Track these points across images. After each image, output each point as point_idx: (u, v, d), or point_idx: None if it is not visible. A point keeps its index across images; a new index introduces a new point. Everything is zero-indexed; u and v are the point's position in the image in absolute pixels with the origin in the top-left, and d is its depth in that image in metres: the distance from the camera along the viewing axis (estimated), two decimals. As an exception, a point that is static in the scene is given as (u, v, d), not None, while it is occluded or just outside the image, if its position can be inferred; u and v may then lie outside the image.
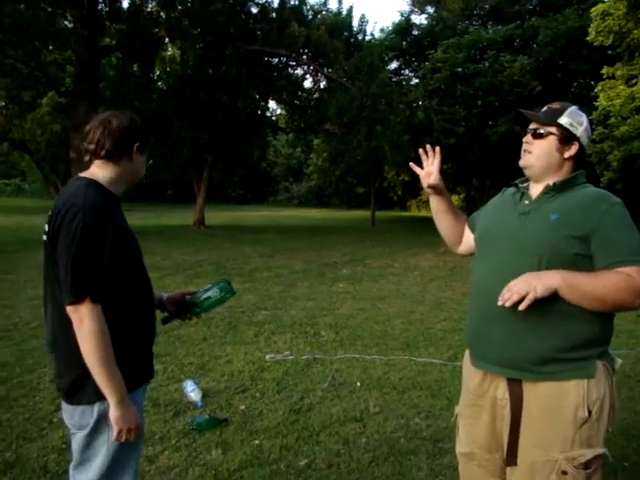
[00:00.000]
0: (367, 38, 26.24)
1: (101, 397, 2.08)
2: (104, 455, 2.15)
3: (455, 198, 34.38)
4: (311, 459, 3.72)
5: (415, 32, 31.55)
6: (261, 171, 51.98)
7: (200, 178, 23.80)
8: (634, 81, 16.76)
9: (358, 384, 5.09)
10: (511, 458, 2.24)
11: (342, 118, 21.03)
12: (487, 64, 25.29)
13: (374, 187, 29.83)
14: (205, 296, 2.63)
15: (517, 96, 23.94)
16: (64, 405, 2.23)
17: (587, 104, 20.69)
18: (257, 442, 3.94)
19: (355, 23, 26.97)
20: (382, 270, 12.32)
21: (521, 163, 2.34)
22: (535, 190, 2.29)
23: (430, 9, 34.25)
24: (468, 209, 32.59)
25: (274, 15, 21.69)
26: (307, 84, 26.96)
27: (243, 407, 4.56)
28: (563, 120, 2.24)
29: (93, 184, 2.16)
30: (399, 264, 13.37)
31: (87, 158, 2.22)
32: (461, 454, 2.50)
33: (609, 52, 22.37)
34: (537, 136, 2.27)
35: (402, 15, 33.33)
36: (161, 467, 3.61)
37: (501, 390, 2.23)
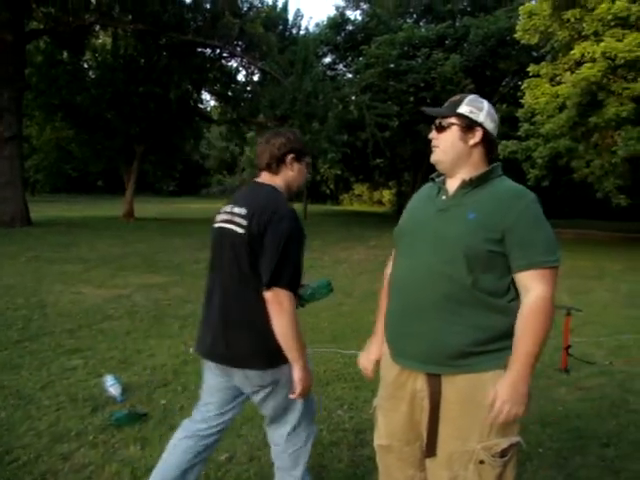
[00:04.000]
0: (302, 32, 26.30)
1: (275, 363, 2.57)
2: (293, 409, 2.74)
3: (387, 193, 34.84)
4: (232, 453, 3.67)
5: (349, 27, 31.71)
6: (194, 164, 51.35)
7: (130, 169, 23.35)
8: (558, 79, 17.24)
9: (283, 377, 5.05)
10: (430, 449, 2.25)
11: (275, 112, 20.95)
12: (420, 61, 25.64)
13: (307, 181, 29.80)
14: (310, 292, 2.88)
15: (449, 93, 24.31)
16: (236, 371, 2.63)
17: (515, 102, 21.27)
18: (177, 437, 3.86)
19: (290, 17, 26.95)
20: (312, 262, 12.28)
21: (432, 159, 2.32)
22: (451, 185, 2.27)
23: (364, 5, 34.47)
24: (399, 203, 33.03)
25: (208, 6, 21.44)
26: (240, 77, 26.68)
27: (164, 401, 4.47)
28: (462, 109, 2.25)
29: (279, 191, 2.71)
30: (329, 257, 13.41)
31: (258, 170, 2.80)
32: (379, 446, 2.49)
33: (535, 53, 23.05)
34: (440, 129, 2.28)
35: (337, 10, 33.44)
36: (76, 465, 3.48)
37: (420, 382, 2.24)
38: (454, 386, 2.16)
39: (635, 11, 14.67)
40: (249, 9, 23.53)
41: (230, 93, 24.81)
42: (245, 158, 45.57)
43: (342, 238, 18.12)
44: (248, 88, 24.87)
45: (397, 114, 24.40)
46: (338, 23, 31.32)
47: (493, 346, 2.13)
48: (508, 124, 19.66)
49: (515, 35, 18.61)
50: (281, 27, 25.62)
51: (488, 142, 2.27)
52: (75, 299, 8.11)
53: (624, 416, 4.45)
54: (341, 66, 33.21)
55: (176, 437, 2.86)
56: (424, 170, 29.47)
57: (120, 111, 21.03)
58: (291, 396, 2.60)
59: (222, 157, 55.45)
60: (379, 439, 2.48)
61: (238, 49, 22.64)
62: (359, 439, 3.90)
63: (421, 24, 31.37)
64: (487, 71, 26.96)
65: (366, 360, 2.61)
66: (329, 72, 31.26)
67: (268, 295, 2.46)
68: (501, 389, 2.06)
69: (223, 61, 24.63)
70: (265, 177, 2.76)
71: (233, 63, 24.99)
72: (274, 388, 2.64)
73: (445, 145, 2.26)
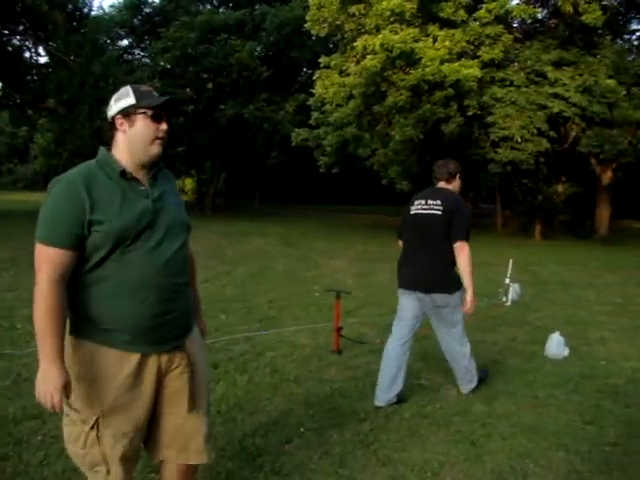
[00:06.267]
0: (93, 12, 25.01)
1: (455, 290, 4.37)
2: (461, 321, 4.52)
3: (189, 181, 34.32)
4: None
5: (147, 10, 30.74)
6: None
7: None
8: (346, 70, 17.97)
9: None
10: (192, 406, 2.40)
11: (62, 96, 19.74)
12: (218, 46, 25.47)
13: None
14: None
15: (246, 80, 24.47)
16: (433, 295, 4.36)
17: (311, 93, 21.85)
18: None
19: (81, -5, 25.43)
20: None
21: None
22: (137, 174, 2.25)
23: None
24: (199, 192, 32.69)
25: (-17, -23, 19.64)
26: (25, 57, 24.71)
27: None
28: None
29: (453, 191, 4.54)
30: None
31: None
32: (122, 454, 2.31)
33: (331, 45, 23.83)
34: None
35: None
36: None
37: (165, 358, 2.29)
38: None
39: (409, 8, 15.76)
40: (32, -16, 21.88)
41: (13, 75, 22.94)
42: (37, 146, 42.71)
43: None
44: (33, 70, 23.18)
45: (192, 99, 24.07)
46: (135, 4, 30.18)
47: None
48: (304, 113, 20.16)
49: (305, 25, 19.09)
50: (71, 6, 24.14)
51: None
52: None
53: (385, 391, 4.72)
54: (139, 50, 32.14)
55: (387, 350, 4.58)
56: (225, 158, 29.52)
57: None
58: (463, 309, 4.40)
59: (12, 143, 51.51)
60: (117, 446, 2.28)
61: (21, 27, 21.03)
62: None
63: (221, 10, 31.13)
64: (284, 60, 27.40)
65: None
66: (126, 56, 30.15)
67: (458, 245, 4.27)
68: None
69: (4, 39, 22.71)
70: (442, 184, 4.57)
71: (16, 42, 23.11)
72: (453, 306, 4.41)
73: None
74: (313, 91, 18.95)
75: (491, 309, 7.58)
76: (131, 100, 2.21)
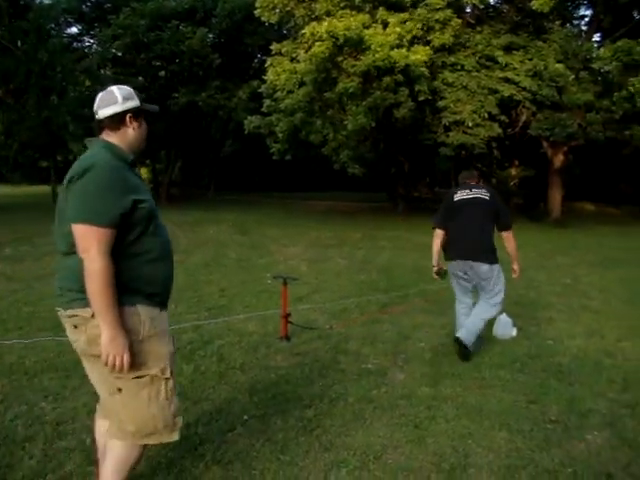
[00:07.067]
0: (40, -1, 24.28)
1: (495, 262, 5.35)
2: (502, 286, 5.42)
3: (144, 170, 33.85)
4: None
5: (97, -4, 30.06)
6: None
7: None
8: (297, 57, 17.87)
9: (-15, 373, 4.64)
10: None
11: (9, 85, 19.21)
12: (169, 33, 25.09)
13: (57, 161, 28.02)
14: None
15: (198, 67, 24.16)
16: (477, 264, 5.31)
17: (264, 80, 21.71)
18: None
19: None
20: (51, 247, 11.61)
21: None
22: None
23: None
24: (155, 181, 32.29)
25: None
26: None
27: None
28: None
29: (484, 184, 5.99)
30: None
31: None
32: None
33: (285, 31, 23.67)
34: None
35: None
36: None
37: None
38: None
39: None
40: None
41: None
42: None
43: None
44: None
45: (144, 87, 23.69)
46: (84, -9, 29.48)
47: None
48: (257, 100, 20.04)
49: (255, 12, 18.90)
50: (14, -8, 23.46)
51: None
52: None
53: (331, 376, 4.70)
54: (88, 37, 31.41)
55: (459, 313, 5.63)
56: (180, 146, 29.17)
57: None
58: (513, 275, 5.60)
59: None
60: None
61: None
62: (58, 431, 3.67)
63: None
64: (236, 46, 27.10)
65: None
66: (76, 44, 29.50)
67: (507, 233, 5.47)
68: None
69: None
70: (473, 181, 5.61)
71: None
72: (494, 276, 5.33)
73: None
74: (265, 78, 18.82)
75: (441, 292, 7.60)
76: (137, 102, 2.63)
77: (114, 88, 2.61)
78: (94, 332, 2.39)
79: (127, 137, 2.60)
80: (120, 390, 2.50)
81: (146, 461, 3.19)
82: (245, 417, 3.89)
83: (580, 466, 3.30)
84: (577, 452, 3.48)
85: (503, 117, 18.13)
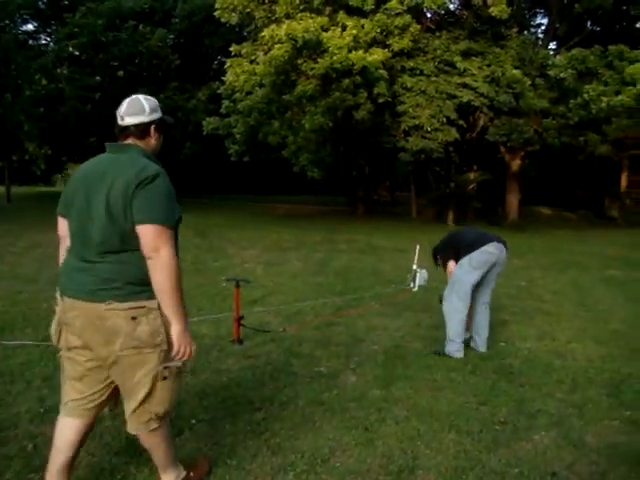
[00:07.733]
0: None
1: None
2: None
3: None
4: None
5: (52, -8, 29.50)
6: None
7: None
8: (256, 59, 17.82)
9: None
10: None
11: (-40, 84, 18.75)
12: (127, 34, 24.79)
13: (11, 161, 27.44)
14: None
15: (157, 68, 23.92)
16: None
17: (223, 81, 21.59)
18: None
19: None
20: (4, 248, 11.41)
21: None
22: None
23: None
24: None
25: None
26: None
27: None
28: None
29: None
30: (24, 242, 12.46)
31: None
32: None
33: (245, 33, 23.56)
34: None
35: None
36: None
37: None
38: None
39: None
40: None
41: None
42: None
43: (43, 221, 16.85)
44: None
45: (102, 87, 23.35)
46: (39, -15, 28.89)
47: None
48: (217, 102, 19.92)
49: (215, 13, 18.78)
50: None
51: None
52: None
53: (283, 379, 4.65)
54: (45, 35, 30.81)
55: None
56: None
57: None
58: None
59: None
60: None
61: None
62: (-1, 437, 3.56)
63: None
64: (196, 48, 26.91)
65: None
66: (32, 41, 28.92)
67: None
68: None
69: None
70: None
71: None
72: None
73: None
74: (224, 79, 18.71)
75: (397, 295, 7.64)
76: (160, 114, 2.78)
77: (141, 97, 2.73)
78: (157, 322, 2.57)
79: (150, 146, 2.75)
80: (165, 378, 2.68)
81: (89, 467, 3.14)
82: (193, 421, 3.82)
83: (526, 466, 3.32)
84: (524, 452, 3.50)
85: (461, 122, 18.35)
